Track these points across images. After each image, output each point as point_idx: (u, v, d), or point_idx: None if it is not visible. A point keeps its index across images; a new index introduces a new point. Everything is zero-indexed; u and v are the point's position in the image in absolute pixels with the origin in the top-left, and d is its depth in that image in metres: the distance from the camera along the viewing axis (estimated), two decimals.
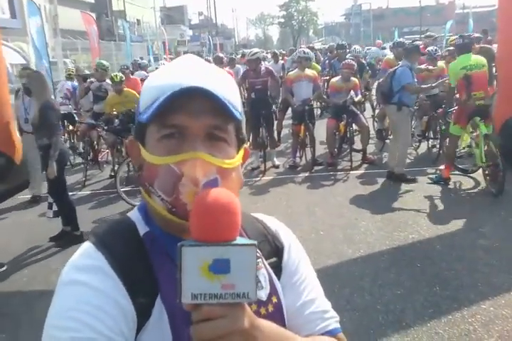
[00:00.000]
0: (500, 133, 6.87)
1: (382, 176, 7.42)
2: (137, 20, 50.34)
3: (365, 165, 8.16)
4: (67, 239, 5.35)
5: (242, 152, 0.93)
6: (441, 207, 6.02)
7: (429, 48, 8.25)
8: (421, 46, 7.84)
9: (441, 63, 8.27)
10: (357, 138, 8.57)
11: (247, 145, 0.97)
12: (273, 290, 0.95)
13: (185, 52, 39.59)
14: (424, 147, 8.71)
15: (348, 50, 11.14)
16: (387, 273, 4.37)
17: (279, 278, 0.99)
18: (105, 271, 0.84)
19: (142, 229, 0.93)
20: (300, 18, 75.19)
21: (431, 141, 8.57)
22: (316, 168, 8.13)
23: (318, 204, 6.38)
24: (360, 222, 5.64)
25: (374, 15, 65.62)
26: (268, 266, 0.98)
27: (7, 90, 7.45)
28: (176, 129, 0.85)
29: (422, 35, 14.03)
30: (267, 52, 17.73)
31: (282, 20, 77.69)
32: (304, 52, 8.45)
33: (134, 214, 0.97)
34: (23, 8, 22.10)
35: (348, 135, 8.31)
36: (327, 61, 13.74)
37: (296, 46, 43.02)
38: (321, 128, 8.84)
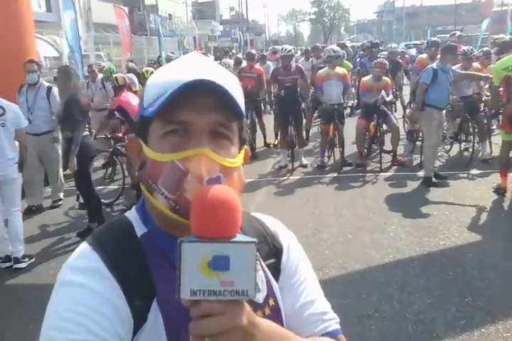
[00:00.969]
0: None
1: (412, 179, 7.26)
2: (169, 14, 50.53)
3: (394, 167, 7.99)
4: None
5: (243, 152, 0.91)
6: (473, 213, 5.83)
7: (465, 48, 8.02)
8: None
9: (476, 64, 8.03)
10: (387, 139, 8.42)
11: (248, 146, 0.95)
12: (270, 293, 0.94)
13: (215, 48, 39.62)
14: (455, 150, 8.47)
15: (381, 48, 10.93)
16: (417, 280, 4.25)
17: (277, 280, 0.97)
18: (101, 272, 0.84)
19: (140, 229, 0.92)
20: (332, 14, 74.60)
21: (463, 143, 8.35)
22: (345, 168, 8.01)
23: (346, 206, 6.26)
24: (389, 226, 5.51)
25: (407, 12, 64.64)
26: (266, 268, 0.96)
27: None
28: (181, 125, 0.83)
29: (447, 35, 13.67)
30: (298, 49, 17.52)
31: (314, 16, 77.20)
32: (334, 51, 8.31)
33: (132, 214, 0.95)
34: (58, 2, 22.39)
35: (379, 135, 8.17)
36: (358, 59, 13.53)
37: (326, 43, 42.72)
38: (350, 128, 8.70)
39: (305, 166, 8.31)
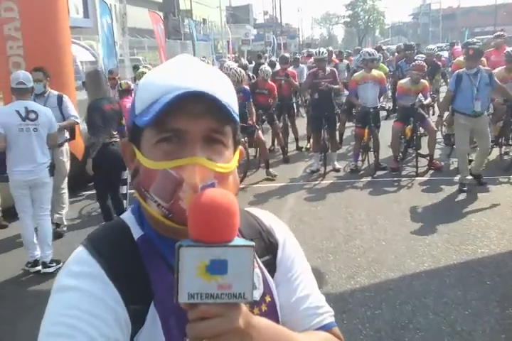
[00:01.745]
0: None
1: (449, 184, 7.04)
2: (203, 19, 50.99)
3: (431, 172, 7.76)
4: None
5: (237, 154, 0.92)
6: None
7: (509, 49, 7.74)
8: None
9: None
10: (423, 143, 8.20)
11: (242, 147, 0.95)
12: (267, 290, 0.95)
13: (248, 52, 39.60)
14: (496, 154, 8.16)
15: (416, 51, 10.66)
16: (454, 290, 4.08)
17: (273, 276, 0.98)
18: (98, 276, 0.83)
19: (136, 232, 0.91)
20: (366, 17, 73.84)
21: (504, 147, 8.05)
22: (379, 172, 7.82)
23: (380, 212, 6.10)
24: (424, 232, 5.33)
25: (444, 14, 63.61)
26: (262, 265, 0.97)
27: (74, 88, 7.62)
28: (174, 133, 0.83)
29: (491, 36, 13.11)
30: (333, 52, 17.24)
31: (348, 19, 76.58)
32: (369, 54, 8.10)
33: (128, 217, 0.95)
34: (96, 8, 22.86)
35: (415, 139, 7.97)
36: (390, 57, 13.29)
37: (361, 46, 42.29)
38: (385, 131, 8.51)
39: (338, 170, 8.16)
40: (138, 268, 0.86)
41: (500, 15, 51.82)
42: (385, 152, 8.38)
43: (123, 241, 0.89)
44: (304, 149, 9.90)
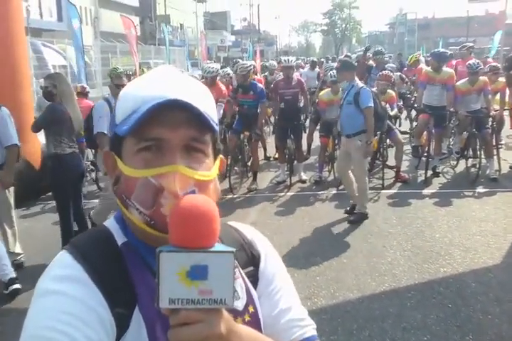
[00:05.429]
0: None
1: (416, 197, 6.91)
2: (180, 24, 50.72)
3: (398, 184, 7.62)
4: None
5: (218, 162, 0.92)
6: (478, 236, 5.44)
7: (471, 62, 7.68)
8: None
9: (483, 78, 7.67)
10: (390, 154, 8.07)
11: (223, 156, 0.95)
12: (250, 300, 0.95)
13: (225, 58, 39.36)
14: (462, 166, 8.05)
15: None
16: (414, 313, 3.87)
17: (255, 287, 0.99)
18: (83, 280, 0.82)
19: (120, 239, 0.91)
20: (343, 26, 74.55)
21: (470, 160, 7.96)
22: None
23: (343, 227, 5.89)
24: (387, 249, 5.13)
25: (419, 24, 64.43)
26: (245, 276, 0.98)
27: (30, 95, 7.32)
28: (154, 142, 0.83)
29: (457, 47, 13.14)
30: (305, 61, 17.14)
31: (325, 28, 77.26)
32: (331, 76, 7.61)
33: (111, 224, 0.95)
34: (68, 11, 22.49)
35: (381, 150, 7.83)
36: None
37: (338, 54, 42.46)
38: None
39: (304, 182, 7.96)
40: (122, 273, 0.86)
41: (472, 26, 52.70)
42: None
43: (107, 247, 0.89)
44: (271, 159, 9.69)
